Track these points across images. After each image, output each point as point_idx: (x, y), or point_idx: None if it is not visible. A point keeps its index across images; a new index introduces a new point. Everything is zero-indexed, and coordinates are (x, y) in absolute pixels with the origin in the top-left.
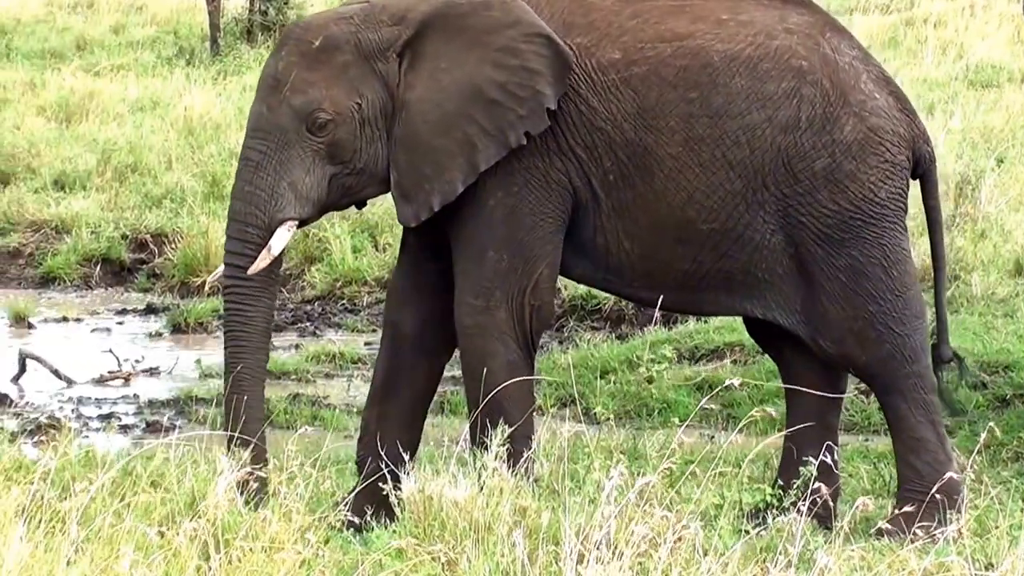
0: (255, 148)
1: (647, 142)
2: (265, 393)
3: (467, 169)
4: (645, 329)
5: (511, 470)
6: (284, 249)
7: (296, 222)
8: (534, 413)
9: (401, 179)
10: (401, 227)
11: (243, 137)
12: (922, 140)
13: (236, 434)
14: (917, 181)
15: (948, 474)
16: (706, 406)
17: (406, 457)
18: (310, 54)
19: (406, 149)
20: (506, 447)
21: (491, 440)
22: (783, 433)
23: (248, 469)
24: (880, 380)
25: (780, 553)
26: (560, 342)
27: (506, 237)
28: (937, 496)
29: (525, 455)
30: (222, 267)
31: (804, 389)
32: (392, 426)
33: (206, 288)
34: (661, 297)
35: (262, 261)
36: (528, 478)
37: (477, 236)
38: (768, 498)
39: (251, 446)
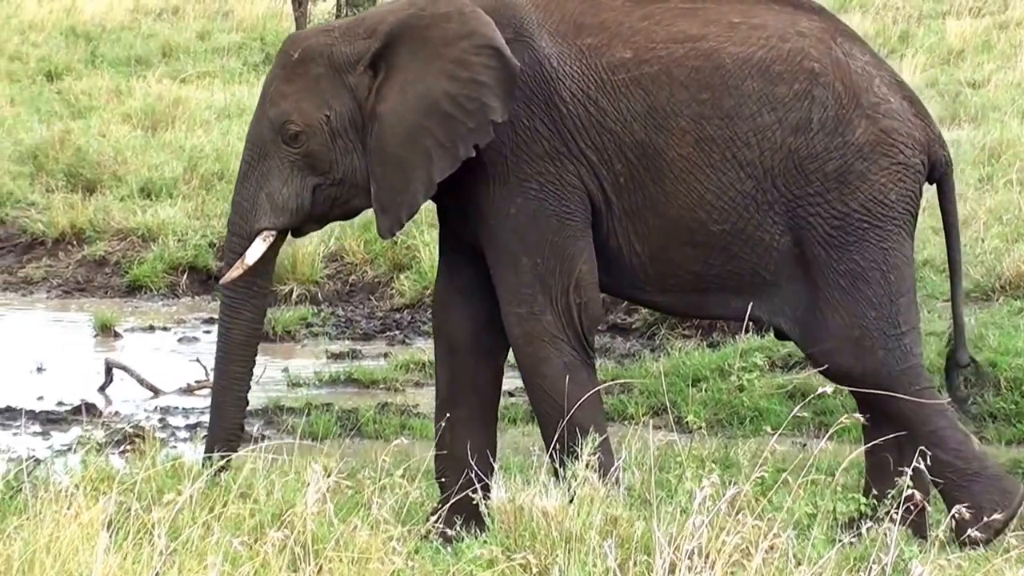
0: (244, 159)
1: (657, 143)
2: (246, 403)
3: (426, 181)
4: (736, 337)
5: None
6: (270, 260)
7: (273, 232)
8: (602, 410)
9: (379, 191)
10: None
11: None
12: (937, 144)
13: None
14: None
15: (979, 459)
16: (798, 414)
17: (484, 461)
18: (289, 66)
19: (379, 161)
20: (587, 453)
21: (562, 449)
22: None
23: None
24: (876, 387)
25: (874, 562)
26: (652, 350)
27: (536, 241)
28: (978, 477)
29: (601, 457)
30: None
31: (882, 392)
32: (465, 434)
33: (292, 296)
34: (672, 300)
35: (235, 271)
36: (610, 480)
37: (507, 245)
38: (862, 507)
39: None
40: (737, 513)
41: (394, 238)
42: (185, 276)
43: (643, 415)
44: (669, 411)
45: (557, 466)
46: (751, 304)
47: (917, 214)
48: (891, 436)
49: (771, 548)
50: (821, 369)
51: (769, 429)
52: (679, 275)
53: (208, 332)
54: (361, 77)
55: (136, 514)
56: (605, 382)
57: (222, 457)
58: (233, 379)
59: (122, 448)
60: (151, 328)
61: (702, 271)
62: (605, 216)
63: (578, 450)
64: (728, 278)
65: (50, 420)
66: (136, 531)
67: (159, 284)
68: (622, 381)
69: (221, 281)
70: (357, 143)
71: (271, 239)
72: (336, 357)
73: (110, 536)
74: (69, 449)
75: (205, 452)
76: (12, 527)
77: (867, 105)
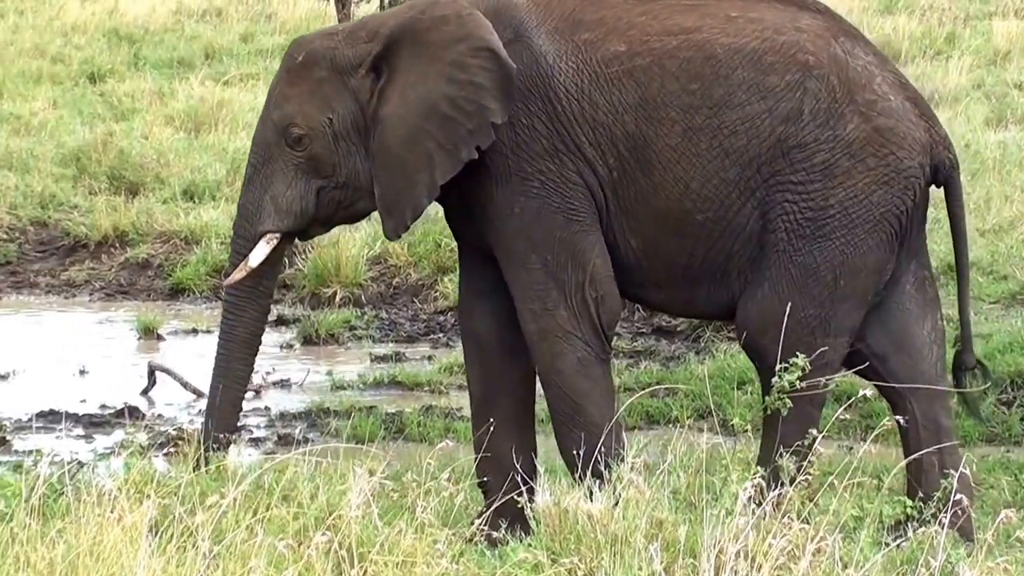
0: (249, 162)
1: (647, 134)
2: (241, 403)
3: (429, 183)
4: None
5: (601, 467)
6: (275, 262)
7: (277, 235)
8: (615, 405)
9: (383, 194)
10: None
11: None
12: (941, 146)
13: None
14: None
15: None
16: (844, 417)
17: (525, 462)
18: (293, 69)
19: (381, 164)
20: (591, 445)
21: (575, 446)
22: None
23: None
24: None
25: (922, 566)
26: (696, 352)
27: (543, 239)
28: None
29: (613, 448)
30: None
31: (921, 386)
32: (503, 435)
33: (336, 299)
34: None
35: (238, 273)
36: (609, 477)
37: (515, 245)
38: (908, 510)
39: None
40: (783, 516)
41: (399, 238)
42: None
43: (688, 418)
44: (714, 414)
45: (568, 463)
46: (725, 293)
47: (904, 223)
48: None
49: (818, 551)
50: (746, 346)
51: (814, 432)
52: (669, 269)
53: None
54: (363, 80)
55: (179, 517)
56: (649, 384)
57: (215, 456)
58: (234, 379)
59: (166, 451)
60: (194, 331)
61: (688, 263)
62: (604, 213)
63: (594, 449)
64: (708, 268)
65: (93, 423)
66: (179, 534)
67: (202, 287)
68: (667, 385)
69: (224, 282)
70: (360, 146)
71: (275, 242)
72: (380, 360)
73: (153, 539)
74: (112, 452)
75: (203, 450)
76: (55, 530)
77: (862, 102)
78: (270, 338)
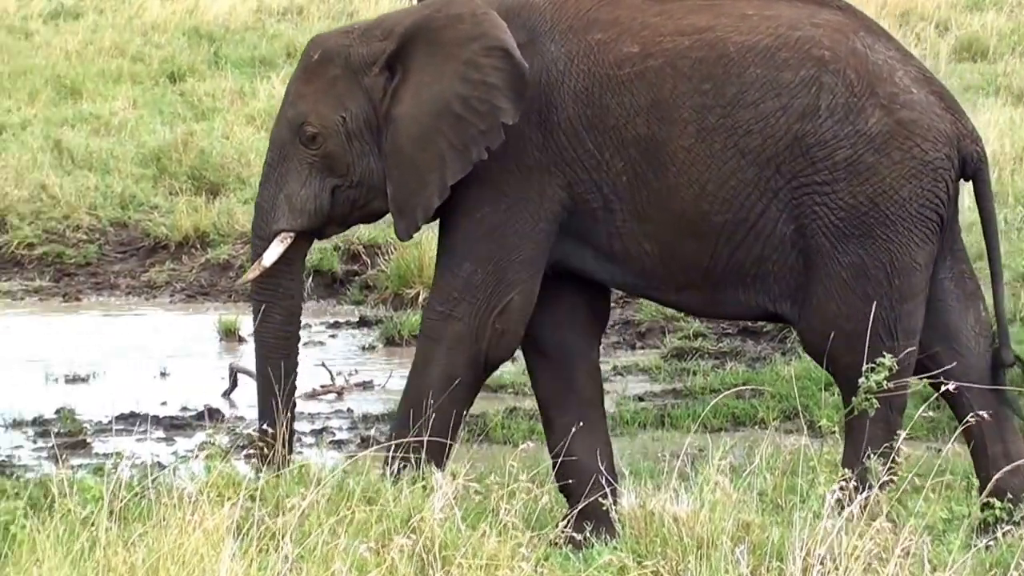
0: (266, 160)
1: (660, 136)
2: (290, 401)
3: (440, 184)
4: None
5: (402, 475)
6: (295, 261)
7: (291, 234)
8: (458, 428)
9: (395, 193)
10: None
11: None
12: (968, 139)
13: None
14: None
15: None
16: (934, 417)
17: (605, 464)
18: (309, 67)
19: (394, 164)
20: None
21: (398, 444)
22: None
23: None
24: (855, 386)
25: (1013, 568)
26: (783, 354)
27: (484, 255)
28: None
29: (429, 464)
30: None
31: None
32: (577, 437)
33: (419, 300)
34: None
35: (251, 272)
36: (418, 484)
37: (459, 246)
38: (998, 512)
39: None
40: (870, 518)
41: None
42: (310, 280)
43: (774, 419)
44: (801, 415)
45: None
46: (757, 297)
47: (942, 215)
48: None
49: (906, 553)
50: (812, 353)
51: (901, 432)
52: (689, 272)
53: (334, 336)
54: (376, 79)
55: (261, 520)
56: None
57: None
58: (274, 385)
59: (247, 454)
60: None
61: (710, 266)
62: (606, 220)
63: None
64: (734, 270)
65: (174, 425)
66: (261, 537)
67: None
68: (753, 386)
69: (238, 282)
70: (373, 145)
71: (288, 240)
72: None
73: (235, 543)
74: (193, 455)
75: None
76: (136, 534)
77: (883, 95)
78: (352, 339)
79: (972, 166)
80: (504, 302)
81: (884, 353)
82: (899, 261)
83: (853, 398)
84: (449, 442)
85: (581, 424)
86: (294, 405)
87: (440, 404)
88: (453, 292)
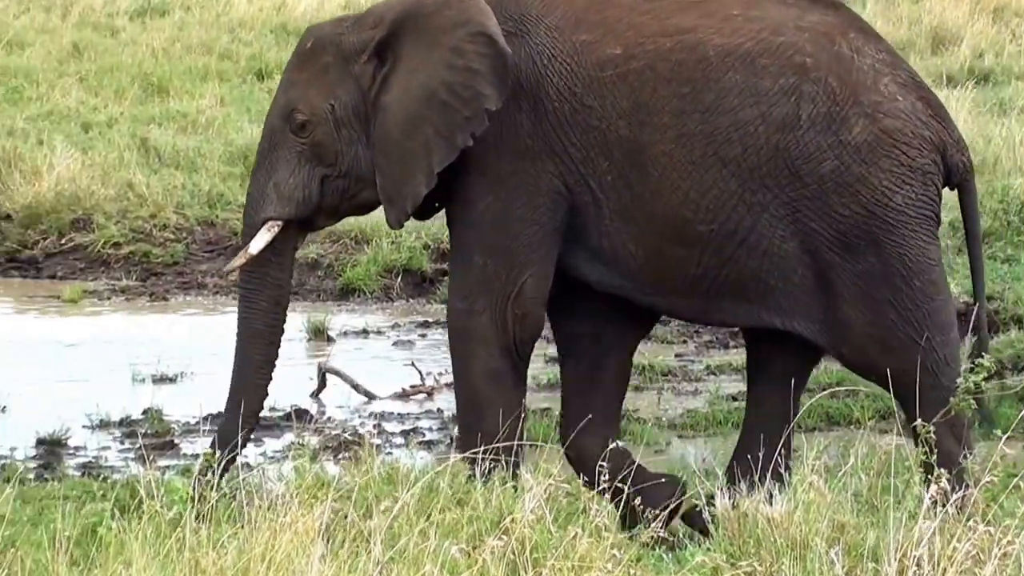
0: (258, 148)
1: (641, 139)
2: (264, 391)
3: (427, 171)
4: (963, 339)
5: (486, 478)
6: (284, 251)
7: (278, 223)
8: (520, 416)
9: (384, 182)
10: None
11: None
12: (955, 148)
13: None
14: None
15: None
16: None
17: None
18: (302, 55)
19: (382, 152)
20: (487, 455)
21: (466, 447)
22: None
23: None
24: (904, 391)
25: None
26: None
27: (492, 244)
28: None
29: (504, 462)
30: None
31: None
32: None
33: None
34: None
35: (238, 260)
36: (507, 484)
37: (466, 239)
38: None
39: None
40: (967, 519)
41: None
42: (399, 279)
43: (869, 419)
44: (896, 415)
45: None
46: (761, 312)
47: (937, 217)
48: None
49: (1004, 555)
50: (852, 367)
51: (999, 432)
52: (675, 278)
53: (423, 336)
54: (366, 66)
55: (352, 522)
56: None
57: (231, 451)
58: (252, 367)
59: (337, 455)
60: (365, 332)
61: (698, 274)
62: (596, 217)
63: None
64: (728, 284)
65: (262, 426)
66: (352, 539)
67: (373, 287)
68: (848, 386)
69: (224, 268)
70: (361, 134)
71: (276, 229)
72: (554, 361)
73: (325, 544)
74: (283, 456)
75: (217, 442)
76: (226, 535)
77: (867, 103)
78: (441, 338)
79: (958, 175)
80: (518, 286)
81: (919, 353)
82: (913, 262)
83: (908, 408)
84: (517, 432)
85: (606, 419)
86: (266, 396)
87: (492, 398)
88: (469, 287)
